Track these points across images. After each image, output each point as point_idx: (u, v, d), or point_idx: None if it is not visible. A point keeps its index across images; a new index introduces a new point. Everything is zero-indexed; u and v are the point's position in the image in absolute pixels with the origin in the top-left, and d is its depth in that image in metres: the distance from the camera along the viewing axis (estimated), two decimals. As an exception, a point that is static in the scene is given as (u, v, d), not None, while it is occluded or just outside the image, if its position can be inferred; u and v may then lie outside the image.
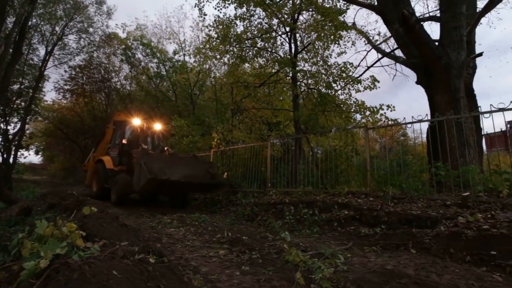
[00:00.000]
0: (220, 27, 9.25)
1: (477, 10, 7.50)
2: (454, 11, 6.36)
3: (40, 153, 32.26)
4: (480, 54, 6.90)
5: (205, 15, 9.48)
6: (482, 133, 6.26)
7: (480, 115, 4.67)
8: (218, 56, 10.34)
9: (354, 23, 11.32)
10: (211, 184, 6.81)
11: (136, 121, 8.16)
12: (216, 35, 9.43)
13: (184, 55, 18.54)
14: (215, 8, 8.98)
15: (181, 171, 6.25)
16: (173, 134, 11.66)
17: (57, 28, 17.70)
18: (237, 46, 9.29)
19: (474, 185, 4.22)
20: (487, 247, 2.62)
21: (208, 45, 9.97)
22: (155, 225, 4.71)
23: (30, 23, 15.56)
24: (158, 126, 8.74)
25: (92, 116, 22.52)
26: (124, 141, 7.83)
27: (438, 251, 2.86)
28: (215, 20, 9.32)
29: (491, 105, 4.23)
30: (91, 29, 19.26)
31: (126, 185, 6.70)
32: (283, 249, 2.81)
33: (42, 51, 18.25)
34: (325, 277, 2.09)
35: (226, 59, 10.37)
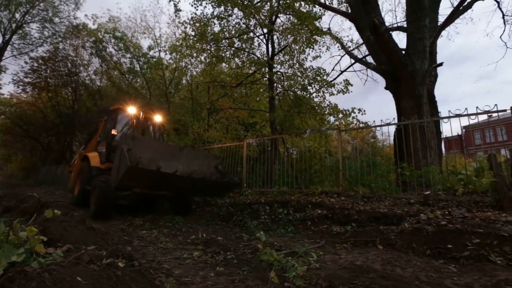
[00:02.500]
0: (197, 24, 9.10)
1: (438, 24, 8.14)
2: (419, 24, 6.85)
3: (-6, 151, 29.34)
4: (441, 64, 7.49)
5: (179, 11, 9.25)
6: (442, 137, 6.80)
7: (440, 120, 5.07)
8: (195, 54, 10.16)
9: (329, 29, 11.73)
10: (221, 183, 5.34)
11: (131, 109, 6.72)
12: (193, 33, 9.26)
13: (160, 51, 17.94)
14: (192, 5, 8.81)
15: (180, 165, 4.95)
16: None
17: (17, 15, 16.28)
18: (214, 45, 9.20)
19: (434, 185, 4.57)
20: (444, 241, 2.85)
21: (184, 43, 9.75)
22: (126, 227, 4.50)
23: (-16, 7, 14.15)
24: (158, 118, 7.31)
25: (56, 112, 20.96)
26: (114, 132, 6.21)
27: (402, 246, 3.05)
28: (191, 18, 9.15)
29: (449, 111, 4.62)
30: (56, 19, 17.99)
31: (107, 189, 4.88)
32: (258, 248, 2.83)
33: (-2, 40, 16.68)
34: (298, 275, 2.14)
35: (202, 58, 10.22)
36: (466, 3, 8.47)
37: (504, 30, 16.23)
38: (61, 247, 1.88)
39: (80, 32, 18.94)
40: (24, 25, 16.92)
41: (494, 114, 4.52)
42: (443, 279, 2.14)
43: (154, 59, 17.69)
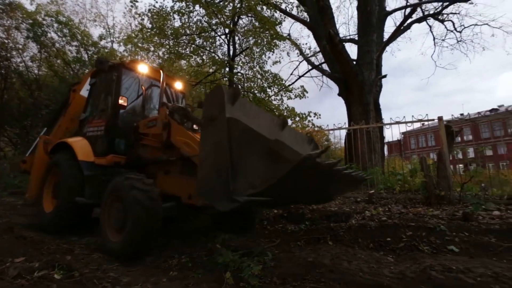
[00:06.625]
0: (156, 17, 8.65)
1: (384, 40, 9.07)
2: (368, 38, 7.55)
3: None
4: (385, 76, 8.36)
5: (136, 1, 8.70)
6: (385, 141, 7.58)
7: (383, 126, 5.64)
8: (152, 48, 9.64)
9: (289, 35, 12.19)
10: (356, 180, 3.12)
11: (143, 68, 4.28)
12: (150, 26, 8.78)
13: (113, 42, 16.60)
14: (151, -3, 8.36)
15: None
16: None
17: None
18: (173, 40, 8.84)
19: (378, 184, 5.07)
20: (384, 235, 3.17)
21: (141, 35, 9.18)
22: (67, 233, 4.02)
23: None
24: (179, 85, 4.95)
25: (-21, 102, 17.84)
26: (122, 102, 3.90)
27: (350, 241, 3.31)
28: (149, 10, 8.67)
29: (390, 118, 5.18)
30: (-18, -7, 15.37)
31: (154, 204, 2.76)
32: (214, 250, 2.79)
33: None
34: (253, 275, 2.17)
35: (160, 53, 9.75)
36: (406, 24, 9.61)
37: (434, 51, 18.93)
38: (-21, 261, 1.61)
39: (14, 11, 16.46)
40: None
41: (426, 122, 5.19)
42: (382, 269, 2.38)
43: (106, 50, 16.28)
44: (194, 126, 3.99)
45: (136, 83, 4.29)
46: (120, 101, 3.86)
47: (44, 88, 17.16)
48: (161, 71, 4.47)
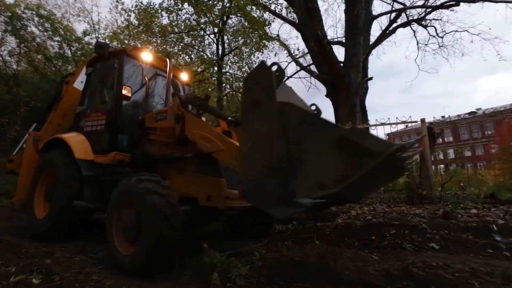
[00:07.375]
0: (143, 14, 8.49)
1: (370, 43, 9.30)
2: (355, 41, 7.71)
3: None
4: (371, 78, 8.56)
5: None
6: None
7: (369, 127, 5.78)
8: (139, 46, 9.44)
9: (278, 35, 12.25)
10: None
11: (147, 56, 3.89)
12: (137, 22, 8.60)
13: (98, 38, 16.07)
14: (138, -7, 8.19)
15: None
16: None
17: None
18: (161, 38, 8.70)
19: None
20: (369, 234, 3.24)
21: (127, 32, 8.98)
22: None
23: None
24: (184, 77, 4.50)
25: (-49, 98, 16.86)
26: (125, 92, 3.45)
27: (336, 240, 3.36)
28: (136, 6, 8.49)
29: (376, 119, 5.31)
30: (-46, -17, 14.54)
31: (176, 216, 2.35)
32: (201, 250, 2.77)
33: None
34: (240, 275, 2.17)
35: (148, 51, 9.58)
36: (391, 28, 9.89)
37: (417, 55, 19.62)
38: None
39: (-9, 3, 15.67)
40: None
41: (410, 124, 5.35)
42: (367, 267, 2.43)
43: (91, 47, 15.79)
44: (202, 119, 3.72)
45: (140, 72, 3.84)
46: (124, 92, 3.39)
47: (23, 85, 16.41)
48: (167, 60, 4.01)
